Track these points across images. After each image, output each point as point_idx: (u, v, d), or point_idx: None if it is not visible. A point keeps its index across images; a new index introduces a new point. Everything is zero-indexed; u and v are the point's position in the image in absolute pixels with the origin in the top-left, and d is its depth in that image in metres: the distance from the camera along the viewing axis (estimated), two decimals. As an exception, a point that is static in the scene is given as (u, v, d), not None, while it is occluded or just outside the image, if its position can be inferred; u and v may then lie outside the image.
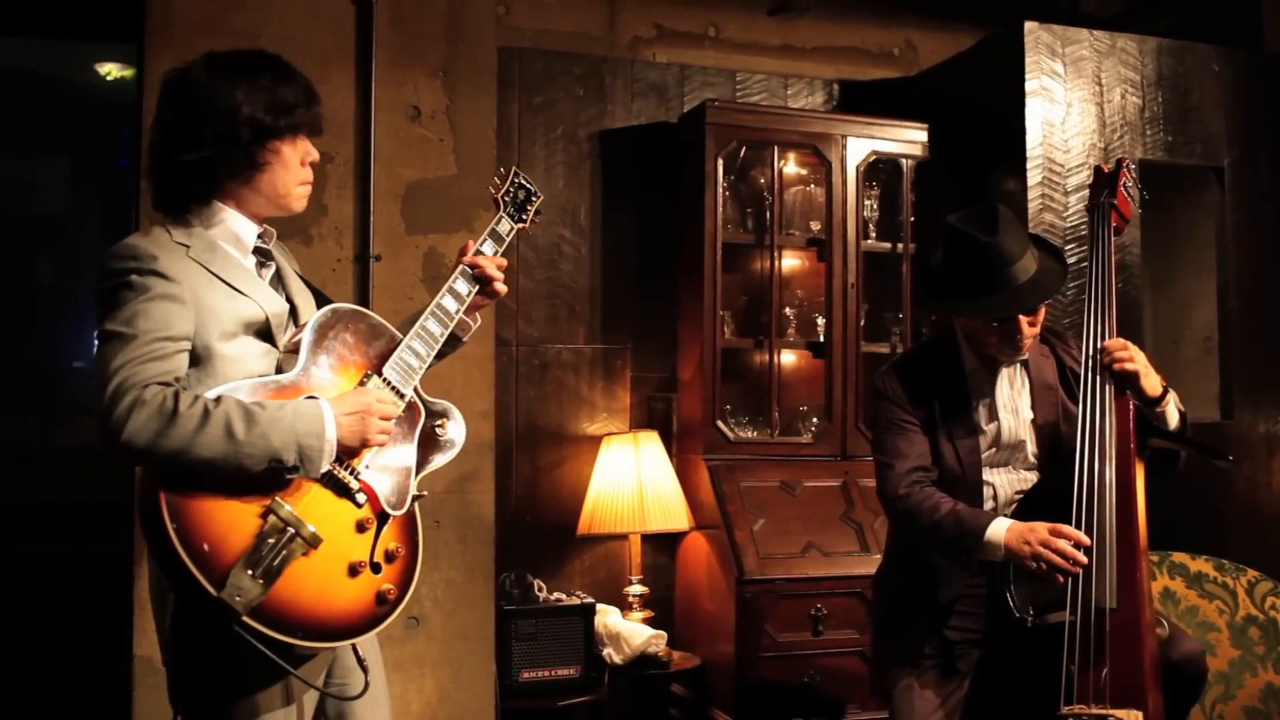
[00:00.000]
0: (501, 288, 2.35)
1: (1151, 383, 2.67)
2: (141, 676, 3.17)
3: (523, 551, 4.10)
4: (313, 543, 1.92)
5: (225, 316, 2.01)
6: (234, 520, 1.86)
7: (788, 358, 4.44)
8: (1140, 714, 2.45)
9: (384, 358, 2.14)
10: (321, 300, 2.23)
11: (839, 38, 4.87)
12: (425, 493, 2.17)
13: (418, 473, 2.16)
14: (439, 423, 2.22)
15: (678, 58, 4.61)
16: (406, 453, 2.14)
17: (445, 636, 3.50)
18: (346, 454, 2.01)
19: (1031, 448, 2.82)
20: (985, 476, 2.80)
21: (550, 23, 4.45)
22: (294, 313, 2.17)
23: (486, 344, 3.59)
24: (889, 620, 2.95)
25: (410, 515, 2.13)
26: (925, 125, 4.42)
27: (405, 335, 2.19)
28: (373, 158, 3.47)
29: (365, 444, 2.02)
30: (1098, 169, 2.96)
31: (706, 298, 4.14)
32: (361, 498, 2.03)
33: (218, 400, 1.87)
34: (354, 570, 2.00)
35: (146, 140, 2.16)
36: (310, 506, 1.95)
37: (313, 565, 1.93)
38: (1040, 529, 2.53)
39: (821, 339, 4.31)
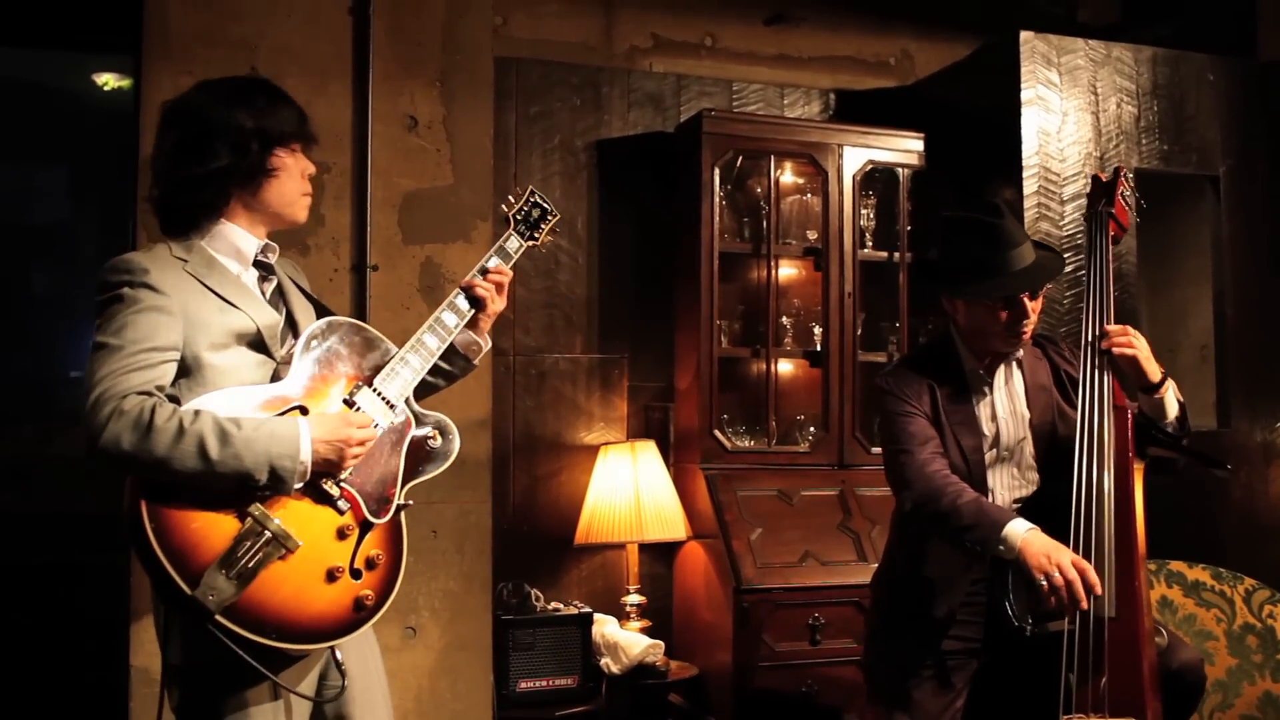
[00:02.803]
0: (495, 306, 2.39)
1: (1152, 367, 2.71)
2: (137, 687, 3.17)
3: (520, 561, 4.10)
4: (290, 547, 1.99)
5: (215, 328, 2.07)
6: (212, 523, 1.93)
7: (785, 367, 4.44)
8: (1139, 722, 2.45)
9: (378, 369, 2.20)
10: (323, 313, 2.28)
11: (835, 47, 4.88)
12: (411, 502, 2.20)
13: (406, 482, 2.21)
14: (430, 434, 2.26)
15: (674, 68, 4.62)
16: (393, 462, 2.19)
17: (442, 646, 3.50)
18: (325, 472, 2.06)
19: (1029, 449, 2.82)
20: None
21: (547, 33, 4.46)
22: (294, 326, 2.23)
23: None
24: (887, 626, 2.94)
25: (395, 524, 2.17)
26: (921, 134, 4.43)
27: (401, 348, 2.24)
28: (369, 168, 3.47)
29: (340, 468, 2.07)
30: (1095, 178, 2.97)
31: (703, 307, 4.14)
32: (344, 505, 2.09)
33: (196, 415, 1.93)
34: (331, 575, 2.05)
35: (147, 169, 2.25)
36: (290, 512, 2.02)
37: (290, 569, 1.99)
38: (1067, 553, 2.50)
39: (818, 348, 4.31)
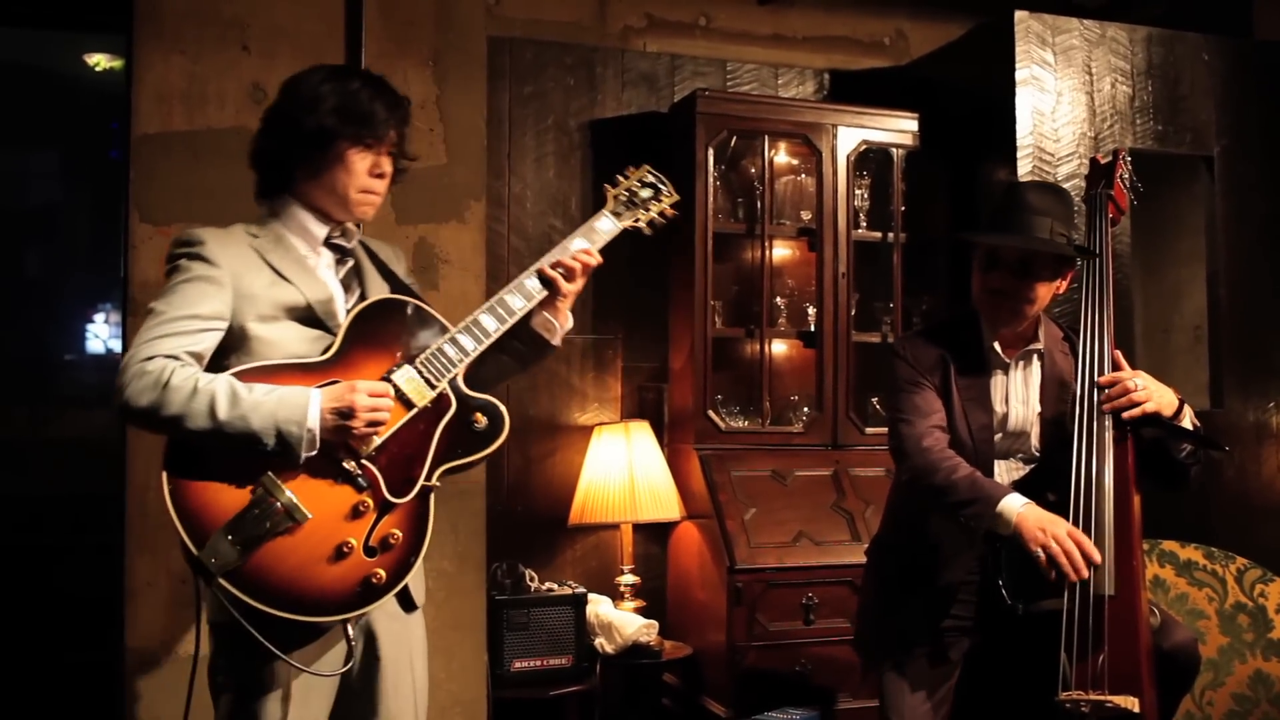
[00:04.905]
0: (570, 288, 2.33)
1: (1164, 402, 2.65)
2: (133, 667, 3.17)
3: (514, 541, 4.10)
4: (298, 519, 2.01)
5: (263, 301, 2.13)
6: (225, 490, 1.99)
7: (778, 347, 4.44)
8: (1136, 700, 2.46)
9: (425, 349, 2.19)
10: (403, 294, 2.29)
11: (830, 27, 4.87)
12: (439, 484, 2.18)
13: (439, 464, 2.17)
14: (474, 416, 2.22)
15: (668, 47, 4.60)
16: (426, 443, 2.16)
17: (437, 626, 3.49)
18: (340, 443, 2.06)
19: (1034, 441, 2.79)
20: None
21: (541, 12, 4.44)
22: None
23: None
24: (881, 598, 2.92)
25: (419, 505, 2.15)
26: (916, 114, 4.42)
27: (454, 328, 2.23)
28: (362, 147, 3.45)
29: (350, 441, 2.07)
30: (1093, 160, 2.95)
31: (697, 287, 4.14)
32: (363, 482, 2.08)
33: (212, 378, 2.00)
34: (340, 552, 2.05)
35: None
36: (305, 485, 2.04)
37: (298, 541, 2.01)
38: (1062, 524, 2.49)
39: (812, 328, 4.31)
